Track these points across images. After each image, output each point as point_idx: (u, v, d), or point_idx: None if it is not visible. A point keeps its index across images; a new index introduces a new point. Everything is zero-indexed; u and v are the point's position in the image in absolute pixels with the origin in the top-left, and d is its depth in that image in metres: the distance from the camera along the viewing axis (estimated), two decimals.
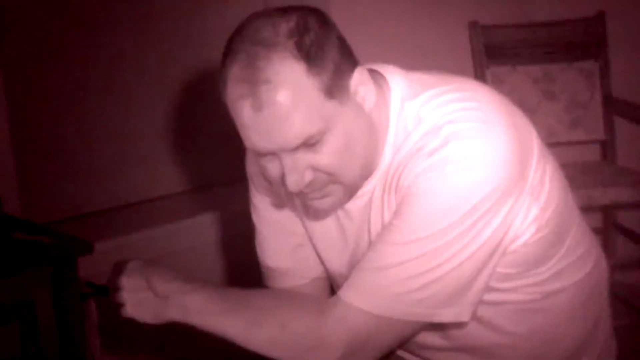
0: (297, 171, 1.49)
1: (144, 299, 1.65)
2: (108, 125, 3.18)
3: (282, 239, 1.79)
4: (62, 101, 3.07)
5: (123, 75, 3.20)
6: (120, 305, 1.67)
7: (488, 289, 1.57)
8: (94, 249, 2.19)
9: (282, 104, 1.44)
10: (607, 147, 3.59)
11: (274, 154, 1.50)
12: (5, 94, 2.75)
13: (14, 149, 2.76)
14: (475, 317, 1.59)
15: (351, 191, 1.57)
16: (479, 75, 3.50)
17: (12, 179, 2.72)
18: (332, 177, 1.52)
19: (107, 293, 1.69)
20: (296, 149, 1.48)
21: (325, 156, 1.49)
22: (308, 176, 1.50)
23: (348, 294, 1.56)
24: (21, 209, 2.73)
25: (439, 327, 1.63)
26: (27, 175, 2.89)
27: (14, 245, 2.21)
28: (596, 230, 3.44)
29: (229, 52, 1.48)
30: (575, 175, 3.32)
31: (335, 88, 1.48)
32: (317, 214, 1.68)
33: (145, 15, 3.23)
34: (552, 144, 2.85)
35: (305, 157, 1.49)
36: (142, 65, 3.23)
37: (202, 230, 3.13)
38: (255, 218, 1.81)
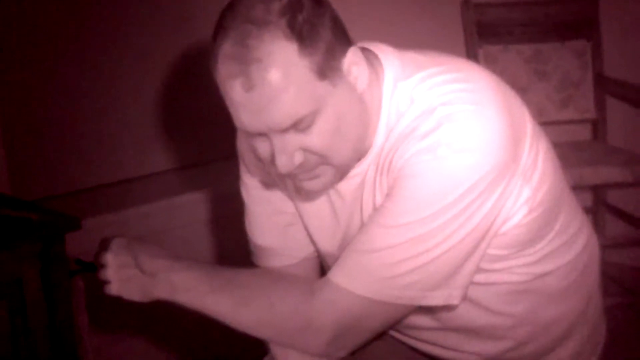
0: (287, 152, 1.47)
1: (131, 277, 1.64)
2: (98, 103, 3.17)
3: (272, 218, 1.77)
4: (51, 79, 3.06)
5: (113, 53, 3.19)
6: (106, 282, 1.67)
7: (479, 270, 1.56)
8: (82, 225, 2.19)
9: (272, 84, 1.42)
10: (598, 127, 3.59)
11: (264, 134, 1.48)
12: None
13: (2, 126, 2.75)
14: (465, 297, 1.58)
15: (342, 172, 1.55)
16: (471, 54, 3.49)
17: (0, 155, 2.71)
18: (322, 159, 1.50)
19: (95, 270, 1.69)
20: (286, 130, 1.46)
21: (316, 137, 1.47)
22: (298, 157, 1.48)
23: (338, 276, 1.55)
24: (10, 186, 2.73)
25: (429, 308, 1.62)
26: (16, 153, 2.88)
27: (2, 221, 2.20)
28: (586, 210, 3.44)
29: (220, 28, 1.46)
30: (566, 154, 3.32)
31: (328, 68, 1.46)
32: (307, 195, 1.66)
33: None
34: (543, 123, 2.83)
35: (295, 138, 1.47)
36: (132, 44, 3.22)
37: (191, 208, 3.12)
38: (245, 196, 1.80)
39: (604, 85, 3.55)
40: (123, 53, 3.21)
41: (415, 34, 3.29)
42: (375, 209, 1.56)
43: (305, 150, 1.48)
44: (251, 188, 1.78)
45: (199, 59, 3.15)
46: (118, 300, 1.68)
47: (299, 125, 1.46)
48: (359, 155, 1.56)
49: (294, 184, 1.61)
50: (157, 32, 3.26)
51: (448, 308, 1.61)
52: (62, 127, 3.10)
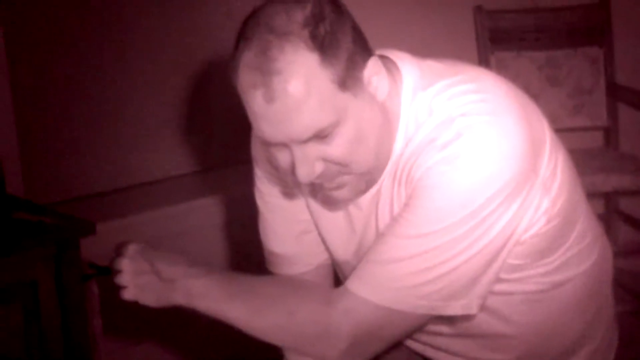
0: (308, 162, 1.47)
1: (147, 282, 1.64)
2: (112, 107, 3.18)
3: (286, 225, 1.77)
4: (67, 83, 3.07)
5: (128, 57, 3.19)
6: (121, 287, 1.67)
7: (496, 279, 1.56)
8: (96, 229, 2.19)
9: (294, 96, 1.41)
10: (610, 134, 3.59)
11: (284, 144, 1.48)
12: (10, 75, 2.74)
13: (18, 130, 2.75)
14: (482, 306, 1.57)
15: (368, 181, 1.55)
16: (483, 61, 3.49)
17: (15, 159, 2.72)
18: (343, 168, 1.50)
19: (110, 274, 1.69)
20: (307, 140, 1.45)
21: (336, 148, 1.47)
22: (319, 168, 1.48)
23: (356, 285, 1.54)
24: (24, 190, 2.73)
25: (446, 317, 1.60)
26: (31, 157, 2.89)
27: (17, 225, 2.21)
28: (598, 217, 3.43)
29: (242, 37, 1.46)
30: (578, 161, 3.27)
31: (349, 79, 1.45)
32: (336, 204, 1.65)
33: None
34: (555, 129, 2.84)
35: (316, 149, 1.47)
36: (147, 48, 3.22)
37: (205, 212, 3.12)
38: (259, 202, 1.80)
39: (616, 92, 3.55)
40: (137, 58, 3.21)
41: (427, 40, 3.30)
42: (393, 219, 1.55)
43: (326, 160, 1.48)
44: (266, 195, 1.78)
45: (214, 63, 3.17)
46: (132, 305, 1.68)
47: (320, 134, 1.45)
48: (383, 163, 1.55)
49: (313, 192, 1.61)
50: (173, 36, 3.26)
51: (465, 316, 1.61)
52: (75, 131, 3.11)
